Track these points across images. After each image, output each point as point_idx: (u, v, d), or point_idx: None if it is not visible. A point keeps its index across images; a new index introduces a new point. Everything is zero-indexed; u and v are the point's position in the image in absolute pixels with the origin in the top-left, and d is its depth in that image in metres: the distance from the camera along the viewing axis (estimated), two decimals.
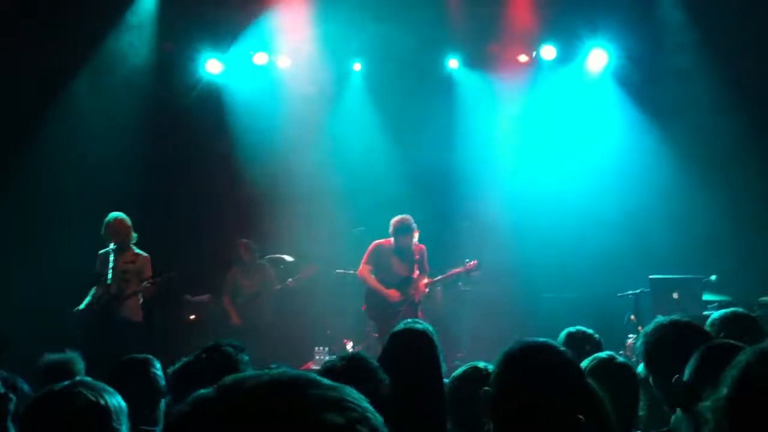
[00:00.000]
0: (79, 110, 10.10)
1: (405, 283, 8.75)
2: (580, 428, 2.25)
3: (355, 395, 1.01)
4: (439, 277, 9.14)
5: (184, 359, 3.71)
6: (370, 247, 8.83)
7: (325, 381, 1.01)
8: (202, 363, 3.12)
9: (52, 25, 9.47)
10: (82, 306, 8.13)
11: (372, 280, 8.71)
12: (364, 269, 8.78)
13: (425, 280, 8.89)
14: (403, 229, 8.55)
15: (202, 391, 1.00)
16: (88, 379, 2.61)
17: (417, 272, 8.78)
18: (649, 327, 3.44)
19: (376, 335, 9.00)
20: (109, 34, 10.10)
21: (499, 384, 2.32)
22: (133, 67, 10.29)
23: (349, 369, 2.90)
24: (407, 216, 8.64)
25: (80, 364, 4.40)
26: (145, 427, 3.69)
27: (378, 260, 8.75)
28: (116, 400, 2.48)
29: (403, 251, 8.69)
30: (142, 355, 4.08)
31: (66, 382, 2.46)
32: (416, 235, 8.71)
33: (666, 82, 10.61)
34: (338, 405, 0.98)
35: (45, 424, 2.35)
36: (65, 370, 4.17)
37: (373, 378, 2.87)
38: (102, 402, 2.41)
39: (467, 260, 9.59)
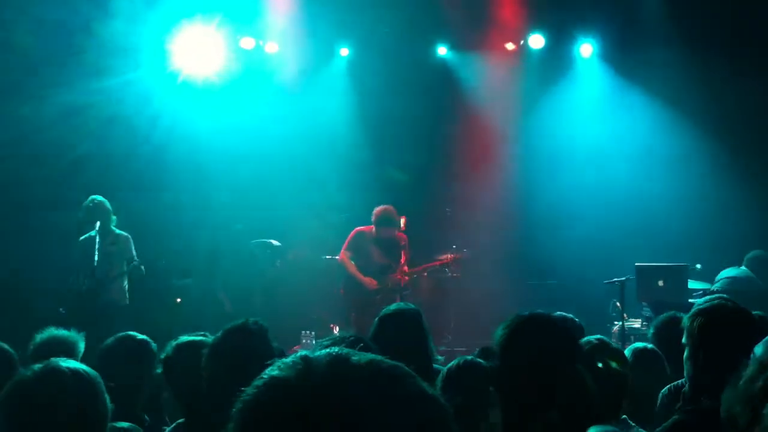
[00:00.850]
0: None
1: (383, 271, 8.85)
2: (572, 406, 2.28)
3: (433, 390, 1.06)
4: (416, 269, 9.18)
5: (182, 338, 3.69)
6: (352, 233, 8.90)
7: (413, 373, 1.06)
8: (234, 341, 3.12)
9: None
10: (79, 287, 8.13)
11: (351, 266, 8.80)
12: (344, 255, 8.87)
13: (404, 269, 8.95)
14: (385, 221, 8.62)
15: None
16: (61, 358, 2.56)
17: (403, 259, 8.84)
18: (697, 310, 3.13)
19: None
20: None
21: (505, 356, 2.38)
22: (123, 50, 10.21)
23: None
24: (390, 207, 8.70)
25: (81, 344, 4.37)
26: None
27: (358, 247, 8.83)
28: (98, 377, 2.45)
29: (383, 240, 8.74)
30: (142, 336, 4.06)
31: (39, 365, 2.41)
32: (403, 221, 8.79)
33: (654, 71, 10.63)
34: (429, 400, 1.04)
35: (34, 405, 2.32)
36: (65, 347, 4.14)
37: None
38: (88, 377, 2.39)
39: (454, 247, 9.70)
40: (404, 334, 3.51)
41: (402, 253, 8.88)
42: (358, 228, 8.92)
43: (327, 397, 0.97)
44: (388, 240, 8.73)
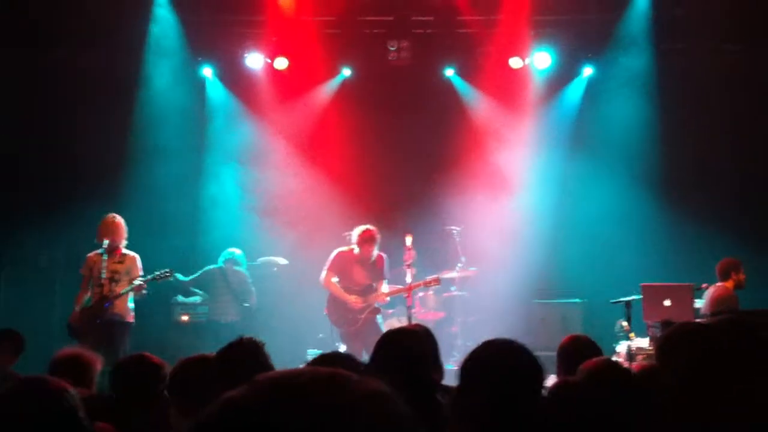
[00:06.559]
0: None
1: (366, 290, 8.94)
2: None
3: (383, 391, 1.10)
4: (400, 288, 9.18)
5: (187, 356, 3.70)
6: (334, 255, 8.98)
7: (358, 378, 1.09)
8: (233, 355, 3.19)
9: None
10: (85, 304, 8.17)
11: (335, 287, 8.92)
12: (327, 276, 8.93)
13: (386, 289, 8.99)
14: (367, 240, 8.69)
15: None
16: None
17: (381, 281, 8.96)
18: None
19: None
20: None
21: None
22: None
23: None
24: (372, 227, 8.82)
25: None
26: None
27: (341, 268, 8.88)
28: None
29: (364, 260, 8.81)
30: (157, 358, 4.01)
31: None
32: (408, 239, 8.80)
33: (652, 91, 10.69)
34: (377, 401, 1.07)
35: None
36: (83, 364, 4.14)
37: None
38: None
39: (459, 265, 9.74)
40: (408, 354, 3.48)
41: (382, 272, 8.96)
42: (339, 250, 9.02)
43: (271, 415, 1.01)
44: (369, 260, 8.80)
